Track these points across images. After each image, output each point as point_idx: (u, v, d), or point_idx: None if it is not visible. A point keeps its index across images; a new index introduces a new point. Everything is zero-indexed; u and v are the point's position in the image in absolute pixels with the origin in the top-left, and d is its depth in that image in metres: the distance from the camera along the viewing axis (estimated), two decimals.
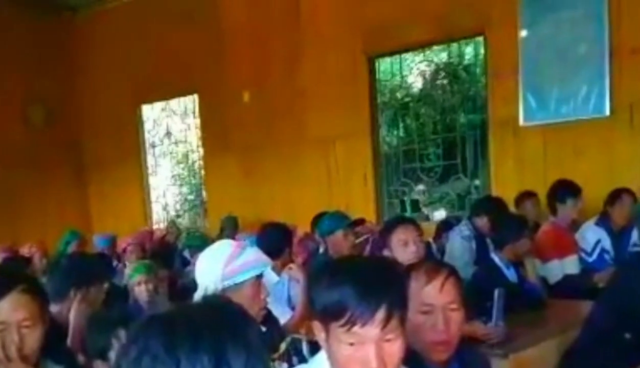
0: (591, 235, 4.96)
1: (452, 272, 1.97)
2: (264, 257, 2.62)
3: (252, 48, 8.34)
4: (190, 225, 9.89)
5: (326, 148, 7.83)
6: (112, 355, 2.41)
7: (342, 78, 7.59)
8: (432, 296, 1.89)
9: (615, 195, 4.89)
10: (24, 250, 6.00)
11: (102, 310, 3.02)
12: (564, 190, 4.98)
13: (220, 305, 1.06)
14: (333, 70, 7.64)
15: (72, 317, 2.98)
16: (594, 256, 4.88)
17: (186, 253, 7.04)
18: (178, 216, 10.31)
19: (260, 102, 8.32)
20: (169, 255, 6.91)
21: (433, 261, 2.26)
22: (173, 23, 8.98)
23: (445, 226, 5.89)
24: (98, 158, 10.24)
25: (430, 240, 5.71)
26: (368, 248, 5.11)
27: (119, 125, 9.97)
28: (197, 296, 2.48)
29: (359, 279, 1.50)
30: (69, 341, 2.92)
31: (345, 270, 1.56)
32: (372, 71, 7.62)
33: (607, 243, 4.90)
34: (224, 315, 1.00)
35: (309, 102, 7.87)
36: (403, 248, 3.31)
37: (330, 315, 1.50)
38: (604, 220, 4.95)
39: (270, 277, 3.68)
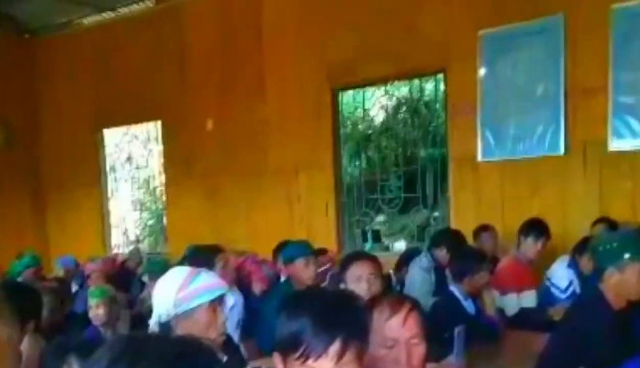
0: (564, 275, 5.05)
1: (415, 305, 1.96)
2: (220, 282, 2.54)
3: (216, 77, 8.38)
4: (150, 251, 9.79)
5: (289, 177, 7.86)
6: None
7: (305, 109, 7.68)
8: (395, 330, 1.87)
9: (583, 244, 4.96)
10: None
11: (59, 336, 3.00)
12: (530, 227, 5.09)
13: (190, 341, 1.03)
14: (296, 102, 7.73)
15: (26, 346, 2.97)
16: (567, 293, 4.97)
17: (145, 279, 6.99)
18: (138, 241, 10.20)
19: (224, 131, 8.34)
20: (128, 281, 6.86)
21: (396, 294, 2.28)
22: (138, 49, 9.02)
23: (406, 258, 5.92)
24: (57, 182, 10.12)
25: (391, 272, 5.75)
26: (328, 278, 5.14)
27: (79, 149, 9.89)
28: (152, 323, 2.46)
29: (316, 311, 1.51)
30: None
31: (304, 302, 1.57)
32: (334, 104, 7.71)
33: (577, 285, 4.99)
34: (194, 352, 0.98)
35: (272, 132, 7.93)
36: (357, 284, 3.27)
37: (287, 347, 1.51)
38: (573, 265, 5.05)
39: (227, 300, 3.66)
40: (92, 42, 9.51)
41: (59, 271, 6.90)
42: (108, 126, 9.91)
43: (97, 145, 9.99)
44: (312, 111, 7.64)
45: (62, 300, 4.51)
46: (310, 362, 1.47)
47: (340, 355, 1.46)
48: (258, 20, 8.03)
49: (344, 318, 1.51)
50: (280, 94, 7.84)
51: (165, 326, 2.39)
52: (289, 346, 1.51)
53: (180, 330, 2.36)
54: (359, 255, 3.59)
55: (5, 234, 9.36)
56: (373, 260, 3.49)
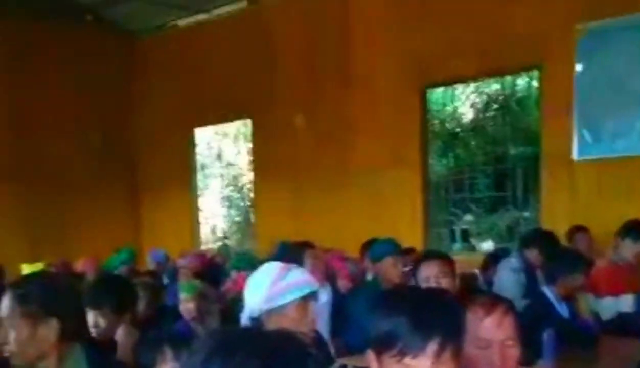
0: None
1: (510, 307, 1.92)
2: (311, 279, 2.55)
3: (305, 75, 8.46)
4: (237, 247, 9.98)
5: (375, 175, 7.82)
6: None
7: (392, 107, 7.63)
8: (490, 331, 1.84)
9: None
10: (77, 266, 6.01)
11: (153, 329, 3.11)
12: (629, 228, 4.86)
13: (283, 335, 1.05)
14: (384, 99, 7.68)
15: (121, 335, 3.12)
16: None
17: (233, 275, 7.11)
18: (225, 237, 10.41)
19: (312, 128, 8.40)
20: (217, 276, 6.99)
21: (490, 295, 2.23)
22: (229, 49, 9.21)
23: (494, 258, 5.80)
24: (151, 179, 10.47)
25: (477, 271, 5.64)
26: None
27: (172, 148, 10.18)
28: (243, 318, 2.50)
29: (412, 310, 1.50)
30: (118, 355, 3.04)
31: (399, 300, 1.57)
32: (423, 101, 7.63)
33: None
34: (287, 346, 1.00)
35: (359, 129, 7.92)
36: (425, 284, 3.23)
37: (382, 345, 1.51)
38: None
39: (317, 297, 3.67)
40: (186, 43, 9.80)
41: (150, 265, 7.11)
42: (200, 125, 10.17)
43: (189, 144, 10.27)
44: (400, 108, 7.58)
45: (156, 295, 4.65)
46: (407, 360, 1.47)
47: (438, 354, 1.46)
48: (346, 18, 8.04)
49: (442, 317, 1.50)
50: (369, 91, 7.82)
51: (256, 321, 2.43)
52: (385, 344, 1.50)
53: (271, 326, 2.38)
54: (428, 256, 3.55)
55: (101, 229, 9.76)
56: (443, 260, 3.44)
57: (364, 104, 7.87)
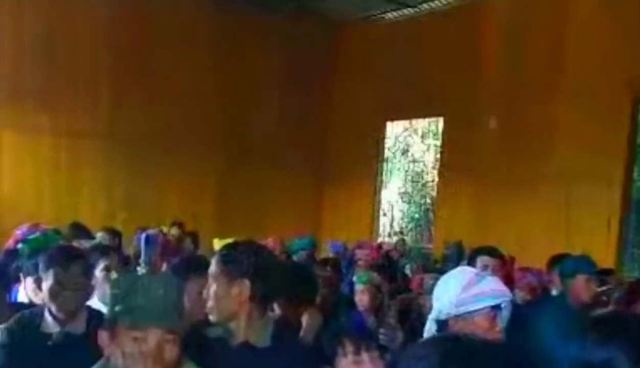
0: None
1: None
2: (503, 288, 2.45)
3: (507, 76, 8.24)
4: (413, 244, 9.90)
5: (569, 187, 7.44)
6: (338, 361, 2.45)
7: (598, 118, 7.18)
8: None
9: None
10: (266, 245, 6.12)
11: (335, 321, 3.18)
12: None
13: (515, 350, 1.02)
14: (589, 106, 7.22)
15: (307, 318, 3.24)
16: None
17: (407, 271, 7.08)
18: (402, 232, 10.38)
19: (507, 131, 8.16)
20: (392, 270, 6.96)
21: None
22: (432, 45, 9.17)
23: None
24: (336, 167, 10.69)
25: None
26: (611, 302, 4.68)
27: (362, 139, 10.33)
28: (430, 318, 2.44)
29: (634, 340, 1.39)
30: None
31: (619, 329, 1.46)
32: (634, 112, 7.14)
33: None
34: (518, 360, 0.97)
35: (559, 136, 7.57)
36: None
37: None
38: None
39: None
40: (389, 36, 9.91)
41: (328, 253, 7.23)
42: (392, 119, 10.24)
43: (379, 137, 10.37)
44: (606, 118, 7.13)
45: (336, 285, 4.74)
46: None
47: None
48: (559, 25, 7.72)
49: None
50: (575, 97, 7.43)
51: (442, 324, 2.37)
52: None
53: (456, 331, 2.30)
54: None
55: (286, 212, 10.16)
56: None
57: (568, 113, 7.49)
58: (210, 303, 2.20)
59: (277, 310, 3.20)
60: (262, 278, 2.22)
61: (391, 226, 10.62)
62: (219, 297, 2.19)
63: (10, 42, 8.49)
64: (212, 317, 2.22)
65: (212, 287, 2.21)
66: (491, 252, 3.96)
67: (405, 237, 10.11)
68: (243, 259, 2.23)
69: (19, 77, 8.50)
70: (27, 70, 8.56)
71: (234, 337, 2.22)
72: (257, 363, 2.18)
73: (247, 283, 2.19)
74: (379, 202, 10.52)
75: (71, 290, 2.52)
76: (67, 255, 2.63)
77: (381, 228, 10.61)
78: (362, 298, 4.26)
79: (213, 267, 2.26)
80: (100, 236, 6.42)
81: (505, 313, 3.18)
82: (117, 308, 1.76)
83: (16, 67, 8.50)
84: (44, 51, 8.63)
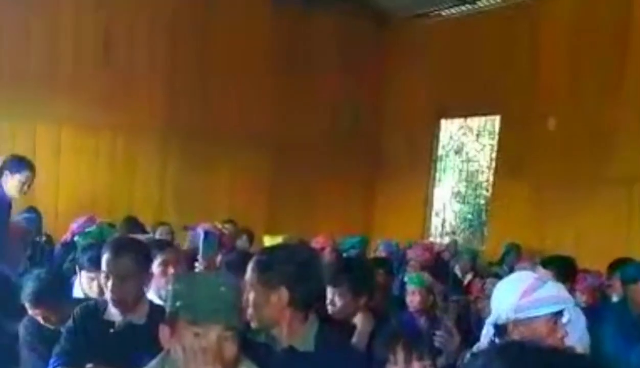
0: None
1: None
2: (565, 295, 2.43)
3: (567, 76, 8.05)
4: (465, 245, 9.77)
5: (630, 191, 7.25)
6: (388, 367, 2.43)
7: None
8: None
9: None
10: (317, 243, 6.12)
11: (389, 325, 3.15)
12: None
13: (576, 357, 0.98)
14: None
15: (360, 321, 3.22)
16: None
17: (457, 271, 7.00)
18: (454, 233, 10.27)
19: (566, 132, 7.97)
20: (443, 272, 6.88)
21: None
22: (489, 43, 9.03)
23: None
24: (389, 165, 10.62)
25: None
26: None
27: (415, 137, 10.23)
28: (488, 322, 2.43)
29: None
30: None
31: None
32: None
33: None
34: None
35: (621, 138, 7.35)
36: None
37: None
38: None
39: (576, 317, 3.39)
40: (445, 33, 9.79)
41: (380, 253, 7.17)
42: (446, 117, 10.13)
43: (433, 135, 10.25)
44: None
45: (387, 285, 4.72)
46: None
47: None
48: (624, 21, 7.49)
49: None
50: (637, 98, 7.19)
51: (501, 328, 2.35)
52: None
53: (515, 336, 2.29)
54: None
55: (337, 210, 10.13)
56: None
57: (630, 114, 7.27)
58: (249, 311, 2.18)
59: (337, 302, 3.22)
60: (299, 284, 2.20)
61: (443, 226, 10.50)
62: (257, 305, 2.18)
63: (70, 40, 8.69)
64: (252, 325, 2.21)
65: (250, 295, 2.20)
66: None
67: (458, 238, 9.99)
68: (279, 266, 2.21)
69: (76, 73, 8.69)
70: (85, 66, 8.75)
71: (277, 342, 2.22)
72: None
73: (284, 291, 2.18)
74: (432, 201, 10.40)
75: (120, 278, 2.59)
76: (117, 245, 2.73)
77: (433, 229, 10.50)
78: (413, 300, 4.26)
79: (249, 274, 2.24)
80: (161, 230, 6.58)
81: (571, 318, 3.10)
82: (178, 303, 1.78)
83: (75, 64, 8.70)
84: (102, 47, 8.81)
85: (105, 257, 2.65)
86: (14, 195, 4.68)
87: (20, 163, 4.71)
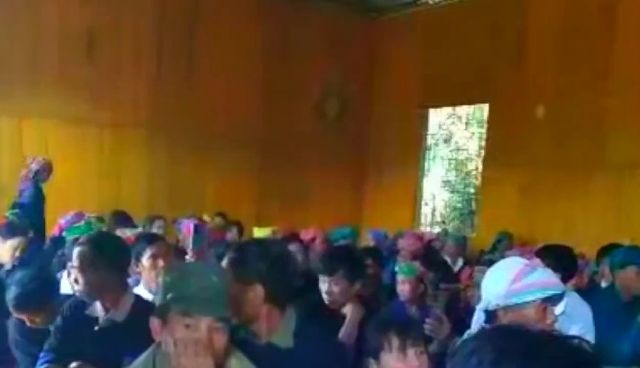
0: None
1: None
2: (556, 281, 2.43)
3: (555, 61, 8.05)
4: (455, 234, 9.79)
5: (622, 177, 7.27)
6: (383, 355, 2.41)
7: None
8: None
9: None
10: (307, 235, 6.13)
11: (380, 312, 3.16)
12: None
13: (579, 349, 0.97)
14: None
15: (350, 310, 3.23)
16: None
17: (447, 257, 7.03)
18: (444, 222, 10.29)
19: (555, 119, 7.98)
20: (434, 260, 6.89)
21: None
22: (475, 30, 9.01)
23: None
24: (379, 156, 10.61)
25: None
26: None
27: (403, 127, 10.22)
28: (478, 308, 2.51)
29: None
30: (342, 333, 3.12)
31: None
32: None
33: None
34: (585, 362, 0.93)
35: (613, 124, 7.37)
36: None
37: None
38: None
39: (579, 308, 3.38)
40: (432, 21, 9.75)
41: (370, 242, 7.18)
42: (434, 106, 10.12)
43: (422, 124, 10.25)
44: None
45: (377, 274, 4.73)
46: None
47: None
48: (614, 9, 7.49)
49: None
50: (629, 82, 7.21)
51: (491, 314, 2.36)
52: None
53: (505, 322, 2.29)
54: None
55: (327, 201, 10.12)
56: None
57: (622, 96, 7.28)
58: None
59: (334, 290, 3.22)
60: (273, 280, 2.22)
61: (433, 215, 10.52)
62: (235, 301, 2.16)
63: (56, 34, 8.61)
64: (233, 320, 2.21)
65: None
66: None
67: (448, 227, 10.01)
68: (252, 263, 2.23)
69: (63, 68, 8.61)
70: (71, 61, 8.67)
71: (257, 338, 2.24)
72: (282, 365, 2.17)
73: (259, 286, 2.20)
74: (421, 190, 10.42)
75: (78, 269, 2.60)
76: (83, 238, 2.78)
77: (423, 218, 10.52)
78: (403, 289, 4.26)
79: (226, 271, 2.24)
80: (157, 223, 6.57)
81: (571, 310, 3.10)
82: (169, 295, 1.78)
83: (61, 58, 8.62)
84: (87, 42, 8.73)
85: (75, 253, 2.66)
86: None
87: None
